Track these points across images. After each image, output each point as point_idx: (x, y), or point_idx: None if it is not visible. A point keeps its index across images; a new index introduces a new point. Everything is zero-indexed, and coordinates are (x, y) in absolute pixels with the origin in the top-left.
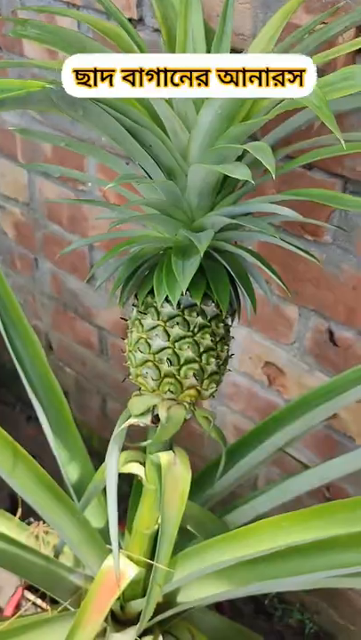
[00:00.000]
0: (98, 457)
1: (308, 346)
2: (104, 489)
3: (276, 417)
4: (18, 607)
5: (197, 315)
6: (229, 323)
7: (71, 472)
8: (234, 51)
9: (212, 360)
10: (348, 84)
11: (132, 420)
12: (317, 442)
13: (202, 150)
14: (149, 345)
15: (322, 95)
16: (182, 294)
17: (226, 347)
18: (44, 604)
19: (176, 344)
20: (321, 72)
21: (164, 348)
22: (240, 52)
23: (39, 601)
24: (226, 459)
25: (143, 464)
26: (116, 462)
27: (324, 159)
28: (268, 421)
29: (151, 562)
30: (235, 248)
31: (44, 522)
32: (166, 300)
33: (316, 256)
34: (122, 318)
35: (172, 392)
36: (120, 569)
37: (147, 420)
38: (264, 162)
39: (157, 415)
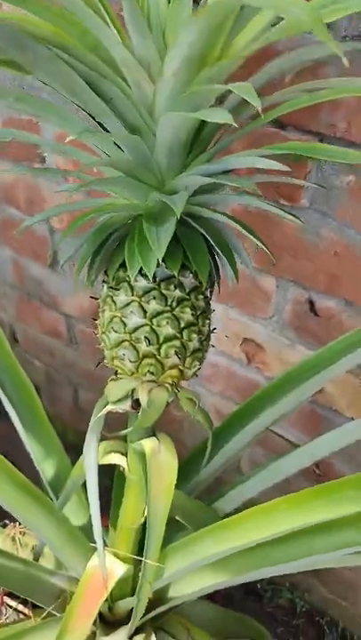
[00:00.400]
0: (75, 451)
1: (288, 319)
2: (84, 484)
3: (260, 396)
4: None
5: (175, 287)
6: (208, 295)
7: (47, 469)
8: None
9: (194, 336)
10: (340, 6)
11: (110, 407)
12: (302, 418)
13: (170, 101)
14: (124, 324)
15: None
16: (158, 265)
17: (207, 321)
18: (25, 610)
19: (154, 320)
20: None
21: (142, 326)
22: None
23: (21, 607)
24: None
25: (124, 454)
26: (94, 454)
27: (298, 115)
28: (252, 401)
29: (139, 558)
30: (212, 213)
31: (20, 523)
32: (140, 272)
33: (293, 225)
34: (92, 297)
35: (152, 374)
36: (107, 568)
37: (126, 405)
38: (250, 100)
39: (137, 400)
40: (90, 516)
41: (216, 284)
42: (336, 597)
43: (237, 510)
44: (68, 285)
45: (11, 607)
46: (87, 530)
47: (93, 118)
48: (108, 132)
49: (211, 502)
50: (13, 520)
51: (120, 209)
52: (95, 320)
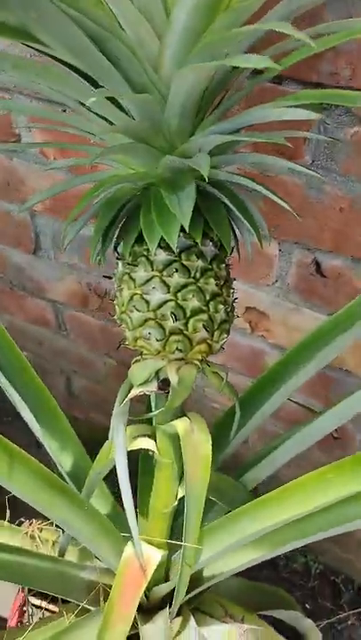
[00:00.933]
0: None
1: (293, 282)
2: None
3: (277, 367)
4: (22, 614)
5: (197, 257)
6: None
7: (65, 461)
8: None
9: (221, 307)
10: None
11: (137, 391)
12: (310, 381)
13: (179, 57)
14: (147, 301)
15: None
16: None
17: (231, 290)
18: (50, 607)
19: (178, 294)
20: None
21: (166, 302)
22: None
23: (44, 603)
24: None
25: (152, 437)
26: (123, 441)
27: (296, 67)
28: (270, 372)
29: (178, 543)
30: (229, 175)
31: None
32: (158, 245)
33: (296, 181)
34: (105, 276)
35: (180, 351)
36: (143, 556)
37: (152, 387)
38: (297, 36)
39: (164, 380)
40: (111, 504)
41: (236, 250)
42: (350, 556)
43: (264, 483)
44: (54, 271)
45: (35, 606)
46: (113, 518)
47: (94, 84)
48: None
49: (237, 477)
50: (28, 517)
51: (127, 179)
52: (112, 301)
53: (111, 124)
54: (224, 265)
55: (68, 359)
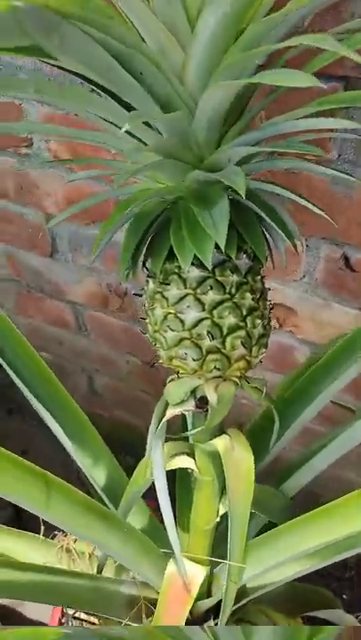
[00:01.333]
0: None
1: (321, 278)
2: None
3: (319, 369)
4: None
5: (231, 272)
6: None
7: (98, 476)
8: None
9: (258, 321)
10: None
11: (174, 411)
12: None
13: (205, 69)
14: (182, 320)
15: None
16: None
17: (267, 302)
18: (91, 619)
19: (214, 312)
20: None
21: (202, 320)
22: None
23: (83, 615)
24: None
25: (190, 455)
26: (162, 461)
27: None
28: (312, 374)
29: (222, 561)
30: (260, 183)
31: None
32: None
33: (322, 177)
34: (135, 294)
35: (218, 369)
36: (187, 574)
37: (189, 406)
38: (343, 53)
39: (201, 398)
40: (148, 518)
41: (270, 259)
42: None
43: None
44: (72, 273)
45: (75, 618)
46: (148, 533)
47: (116, 97)
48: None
49: (276, 484)
50: (62, 529)
51: (157, 194)
52: (143, 319)
53: (137, 139)
54: (259, 277)
55: (89, 359)
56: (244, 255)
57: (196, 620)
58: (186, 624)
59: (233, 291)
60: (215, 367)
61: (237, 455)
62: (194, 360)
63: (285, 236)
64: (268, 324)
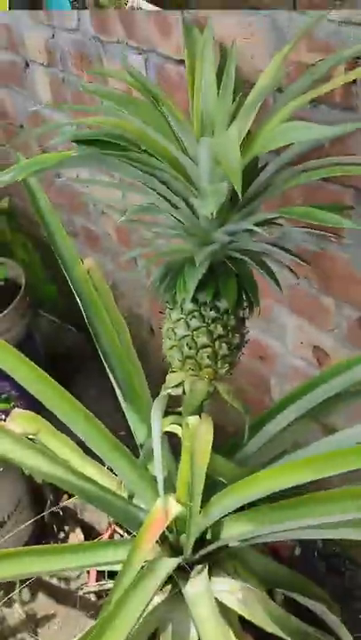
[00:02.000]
0: None
1: (347, 333)
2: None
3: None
4: (111, 537)
5: (210, 309)
6: (244, 315)
7: (140, 434)
8: (250, 84)
9: (224, 345)
10: None
11: (168, 391)
12: None
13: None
14: (175, 333)
15: None
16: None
17: (237, 334)
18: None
19: (194, 333)
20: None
21: (185, 336)
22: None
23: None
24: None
25: (181, 425)
26: (159, 424)
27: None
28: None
29: (189, 504)
30: (241, 255)
31: None
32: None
33: (340, 255)
34: (160, 312)
35: (192, 370)
36: (167, 507)
37: (179, 391)
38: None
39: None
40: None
41: (252, 308)
42: None
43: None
44: None
45: (117, 533)
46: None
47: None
48: (165, 198)
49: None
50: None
51: (178, 253)
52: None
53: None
54: (234, 317)
55: None
56: (225, 300)
57: (180, 549)
58: (174, 550)
59: (209, 322)
60: (190, 368)
61: (202, 429)
62: (178, 360)
63: (252, 295)
64: (234, 349)
